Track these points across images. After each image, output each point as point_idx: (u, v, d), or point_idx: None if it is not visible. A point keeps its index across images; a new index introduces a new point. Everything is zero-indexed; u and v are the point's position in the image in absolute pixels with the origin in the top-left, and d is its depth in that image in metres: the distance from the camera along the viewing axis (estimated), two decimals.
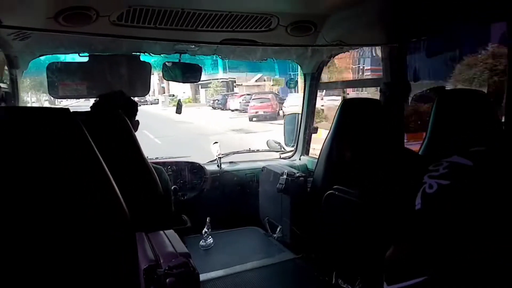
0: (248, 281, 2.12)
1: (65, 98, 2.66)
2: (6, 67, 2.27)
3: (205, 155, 3.52)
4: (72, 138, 0.93)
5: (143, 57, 2.76)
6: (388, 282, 0.79)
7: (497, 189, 0.72)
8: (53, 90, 2.46)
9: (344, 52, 2.91)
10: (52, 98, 2.68)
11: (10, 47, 2.15)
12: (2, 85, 2.07)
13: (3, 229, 0.89)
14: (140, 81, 2.77)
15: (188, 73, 2.94)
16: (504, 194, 0.71)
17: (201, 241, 2.61)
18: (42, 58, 2.58)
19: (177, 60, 2.86)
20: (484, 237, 0.70)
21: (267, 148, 3.74)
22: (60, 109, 0.91)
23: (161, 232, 1.49)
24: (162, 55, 2.81)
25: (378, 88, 2.64)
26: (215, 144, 3.30)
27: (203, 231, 2.63)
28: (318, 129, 3.50)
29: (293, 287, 2.10)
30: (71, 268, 0.99)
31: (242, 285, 2.08)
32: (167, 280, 1.18)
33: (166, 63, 2.87)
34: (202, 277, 2.16)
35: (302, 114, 3.44)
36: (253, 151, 3.73)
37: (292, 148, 3.61)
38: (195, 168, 3.10)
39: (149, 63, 2.77)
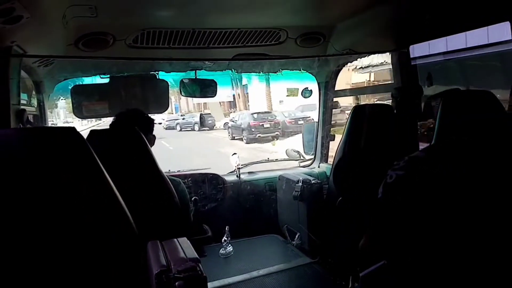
0: (265, 285, 2.16)
1: (88, 118, 2.82)
2: (33, 92, 2.45)
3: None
4: (76, 154, 1.01)
5: (161, 75, 2.90)
6: (361, 269, 0.85)
7: (447, 177, 0.76)
8: (78, 110, 2.62)
9: (355, 60, 2.94)
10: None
11: (36, 73, 2.33)
12: (30, 108, 2.24)
13: (12, 245, 0.97)
14: (159, 98, 2.89)
15: (205, 88, 3.05)
16: (454, 181, 0.76)
17: (221, 250, 2.68)
18: (67, 81, 2.76)
19: (193, 77, 2.98)
20: (436, 222, 0.74)
21: (286, 157, 3.79)
22: (66, 128, 1.00)
23: (175, 239, 1.56)
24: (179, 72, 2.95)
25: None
26: (234, 155, 3.38)
27: (223, 239, 2.70)
28: None
29: None
30: (82, 278, 1.07)
31: None
32: (176, 283, 1.25)
33: (184, 80, 2.98)
34: (220, 283, 2.24)
35: (318, 122, 3.48)
36: (272, 160, 3.79)
37: (311, 156, 3.65)
38: (215, 179, 3.19)
39: (166, 81, 2.90)
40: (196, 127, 22.11)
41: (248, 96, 26.80)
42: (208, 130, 21.92)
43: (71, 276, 1.06)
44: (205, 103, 31.17)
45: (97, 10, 1.73)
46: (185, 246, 1.51)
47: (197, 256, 1.40)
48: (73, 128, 1.01)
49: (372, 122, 2.39)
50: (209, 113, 24.47)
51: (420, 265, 0.74)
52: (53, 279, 1.02)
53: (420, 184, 0.78)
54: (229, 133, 18.04)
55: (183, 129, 22.68)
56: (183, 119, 23.74)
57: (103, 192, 1.06)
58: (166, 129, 23.77)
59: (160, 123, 26.87)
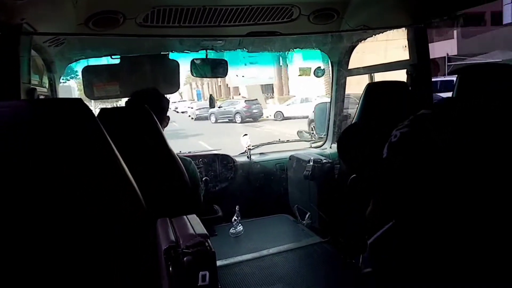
0: (274, 263, 2.18)
1: (100, 99, 2.83)
2: (45, 72, 2.46)
3: None
4: (85, 128, 1.01)
5: (172, 55, 2.89)
6: (368, 236, 0.83)
7: (454, 133, 0.74)
8: (89, 91, 2.64)
9: (370, 37, 2.87)
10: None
11: (46, 53, 2.33)
12: (42, 89, 2.25)
13: (20, 220, 0.98)
14: (169, 78, 2.88)
15: (215, 68, 3.03)
16: (461, 138, 0.73)
17: (231, 229, 2.70)
18: (78, 62, 2.78)
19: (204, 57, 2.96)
20: (439, 180, 0.72)
21: (298, 138, 3.76)
22: (73, 99, 1.00)
23: (184, 216, 1.57)
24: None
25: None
26: (245, 136, 3.37)
27: (233, 219, 2.71)
28: None
29: (319, 269, 2.13)
30: (90, 254, 1.08)
31: (268, 267, 2.14)
32: (185, 258, 1.25)
33: (194, 60, 2.96)
34: (229, 261, 2.26)
35: (331, 102, 3.43)
36: (283, 141, 3.77)
37: (324, 137, 3.61)
38: (225, 160, 3.19)
39: (177, 61, 2.88)
40: (238, 118, 18.52)
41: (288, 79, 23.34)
42: (252, 122, 18.08)
43: (80, 252, 1.07)
44: (236, 87, 27.78)
45: None
46: (194, 223, 1.51)
47: (206, 232, 1.41)
48: (80, 100, 1.00)
49: (386, 99, 2.34)
50: (256, 99, 20.48)
51: (425, 223, 0.73)
52: (62, 254, 1.04)
53: (424, 141, 0.76)
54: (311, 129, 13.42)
55: (219, 120, 19.15)
56: (219, 107, 19.72)
57: (111, 166, 1.06)
58: (195, 119, 20.73)
59: (183, 112, 24.27)
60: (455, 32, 17.30)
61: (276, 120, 18.16)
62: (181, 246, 1.32)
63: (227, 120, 18.86)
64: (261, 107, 19.42)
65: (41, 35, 1.94)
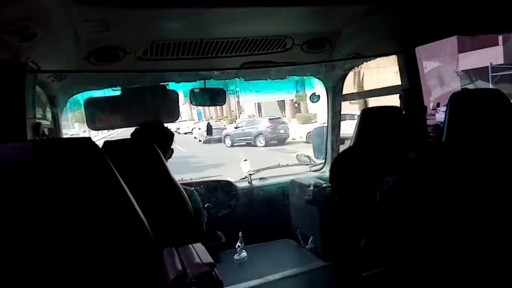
0: None
1: (102, 130, 2.88)
2: (48, 106, 2.52)
3: None
4: (94, 165, 1.05)
5: (171, 86, 2.96)
6: (364, 269, 0.87)
7: (436, 181, 0.78)
8: (91, 122, 2.69)
9: (361, 64, 2.97)
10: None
11: (49, 88, 2.40)
12: (45, 122, 2.30)
13: (30, 253, 1.00)
14: (169, 108, 2.95)
15: (214, 97, 3.10)
16: (451, 185, 0.77)
17: (235, 255, 2.70)
18: (80, 94, 2.84)
19: (203, 86, 3.03)
20: (429, 230, 0.76)
21: (297, 163, 3.81)
22: (82, 138, 1.04)
23: (190, 245, 1.59)
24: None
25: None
26: (245, 161, 3.41)
27: (236, 245, 2.72)
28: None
29: None
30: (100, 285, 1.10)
31: None
32: None
33: (194, 89, 3.04)
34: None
35: (327, 126, 3.50)
36: (283, 166, 3.81)
37: (322, 161, 3.66)
38: (227, 186, 3.22)
39: (176, 92, 2.95)
40: (261, 141, 15.28)
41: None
42: (278, 144, 14.96)
43: (88, 282, 1.09)
44: (258, 103, 23.72)
45: (107, 25, 1.78)
46: (200, 252, 1.54)
47: (212, 261, 1.43)
48: (89, 139, 1.05)
49: (381, 124, 2.39)
50: (279, 117, 17.69)
51: (417, 269, 0.76)
52: (70, 284, 1.05)
53: (416, 190, 0.80)
54: None
55: (236, 143, 16.10)
56: (236, 128, 17.07)
57: (119, 200, 1.09)
58: (204, 142, 17.77)
59: (187, 133, 21.92)
60: (500, 38, 14.07)
61: (308, 142, 12.44)
62: (189, 276, 1.35)
63: (245, 143, 15.86)
64: (287, 127, 16.36)
65: (45, 72, 2.00)
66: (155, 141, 1.98)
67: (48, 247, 1.01)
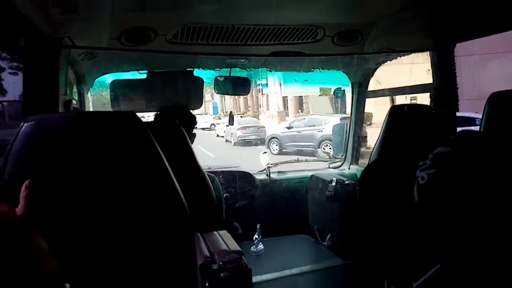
0: (297, 284, 2.16)
1: None
2: (75, 86, 2.52)
3: None
4: (138, 140, 1.03)
5: (196, 72, 2.94)
6: (414, 279, 0.82)
7: (477, 170, 0.74)
8: (116, 105, 2.69)
9: (393, 59, 2.90)
10: None
11: (79, 66, 2.39)
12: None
13: (74, 225, 0.99)
14: (193, 94, 2.93)
15: (238, 86, 3.07)
16: (484, 174, 0.73)
17: (252, 247, 2.68)
18: (105, 76, 2.84)
19: (228, 74, 3.01)
20: (480, 216, 0.72)
21: (316, 158, 3.77)
22: (127, 112, 1.02)
23: (215, 232, 1.58)
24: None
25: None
26: (264, 154, 3.39)
27: (254, 237, 2.70)
28: None
29: None
30: (134, 262, 1.08)
31: None
32: (222, 274, 1.25)
33: (218, 77, 3.01)
34: (253, 279, 2.23)
35: (350, 123, 3.44)
36: (302, 161, 3.77)
37: (341, 158, 3.61)
38: (245, 177, 3.20)
39: (202, 78, 2.93)
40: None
41: None
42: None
43: (130, 262, 1.07)
44: (285, 97, 20.53)
45: (144, 4, 1.76)
46: (226, 239, 1.52)
47: (239, 248, 1.41)
48: (133, 113, 1.03)
49: (409, 123, 2.34)
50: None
51: (474, 262, 0.72)
52: (111, 263, 1.04)
53: (454, 178, 0.76)
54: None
55: (286, 150, 12.41)
56: (288, 128, 13.15)
57: (163, 178, 1.07)
58: (235, 144, 14.58)
59: (205, 129, 18.83)
60: None
61: None
62: (217, 262, 1.32)
63: (301, 150, 11.67)
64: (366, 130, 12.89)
65: (80, 48, 1.99)
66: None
67: (90, 217, 0.99)
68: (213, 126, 19.96)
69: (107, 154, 0.99)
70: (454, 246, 0.75)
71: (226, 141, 15.92)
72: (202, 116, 22.75)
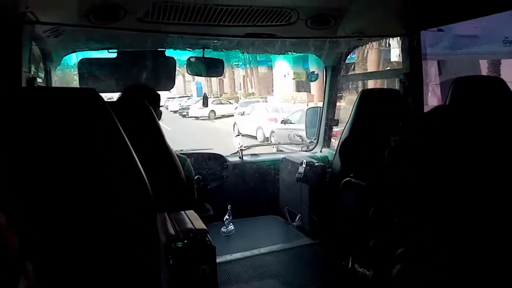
0: (265, 263, 2.20)
1: None
2: (41, 64, 2.44)
3: None
4: (98, 117, 1.02)
5: (168, 52, 2.89)
6: (358, 250, 0.87)
7: (444, 137, 0.79)
8: (84, 84, 2.62)
9: (363, 44, 2.93)
10: None
11: (45, 43, 2.31)
12: (38, 80, 2.23)
13: (34, 202, 0.98)
14: (165, 75, 2.89)
15: (211, 68, 3.04)
16: (450, 140, 0.78)
17: (222, 228, 2.71)
18: (73, 54, 2.76)
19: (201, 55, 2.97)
20: (443, 178, 0.76)
21: (289, 142, 3.81)
22: (87, 89, 1.01)
23: (182, 212, 1.58)
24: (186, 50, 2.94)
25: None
26: (237, 137, 3.40)
27: (225, 218, 2.73)
28: None
29: (309, 270, 2.16)
30: (94, 241, 1.09)
31: (259, 267, 2.16)
32: (186, 252, 1.27)
33: (190, 58, 2.97)
34: (221, 259, 2.27)
35: (323, 106, 3.48)
36: (274, 144, 3.80)
37: (314, 141, 3.65)
38: (218, 159, 3.20)
39: (174, 58, 2.88)
40: None
41: None
42: None
43: (85, 238, 1.07)
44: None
45: None
46: (193, 218, 1.53)
47: (205, 227, 1.42)
48: (94, 90, 1.01)
49: (379, 106, 2.39)
50: None
51: (430, 218, 0.77)
52: (69, 237, 1.04)
53: (422, 141, 0.81)
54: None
55: (283, 148, 5.82)
56: (285, 122, 9.81)
57: (124, 155, 1.07)
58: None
59: (207, 117, 17.64)
60: None
61: None
62: (181, 240, 1.34)
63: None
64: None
65: (44, 24, 1.93)
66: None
67: (49, 194, 0.99)
68: (211, 114, 18.47)
69: (65, 130, 0.97)
70: (413, 201, 0.80)
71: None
72: (184, 100, 21.56)
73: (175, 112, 20.76)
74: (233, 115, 16.53)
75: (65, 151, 0.99)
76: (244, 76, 24.74)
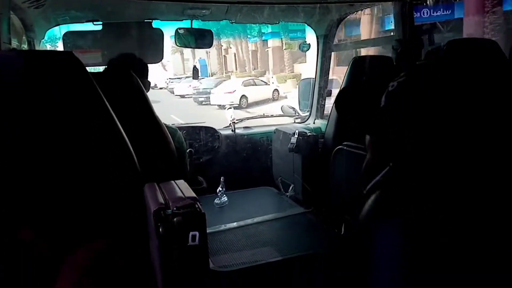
0: (258, 232, 2.21)
1: None
2: (23, 38, 2.37)
3: None
4: (78, 80, 0.99)
5: (155, 24, 2.82)
6: (364, 186, 0.86)
7: (440, 82, 0.77)
8: None
9: (355, 11, 2.87)
10: None
11: (26, 15, 2.24)
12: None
13: (18, 168, 0.96)
14: (153, 47, 2.82)
15: (200, 39, 2.97)
16: (457, 85, 0.77)
17: (215, 199, 2.71)
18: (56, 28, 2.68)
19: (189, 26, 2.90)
20: (443, 123, 0.75)
21: (282, 113, 3.78)
22: (64, 52, 0.97)
23: (172, 181, 1.57)
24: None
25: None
26: (229, 109, 3.37)
27: (218, 189, 2.72)
28: None
29: (303, 237, 2.17)
30: (82, 211, 1.07)
31: (253, 235, 2.17)
32: (175, 219, 1.26)
33: (178, 29, 2.90)
34: (214, 229, 2.28)
35: (315, 77, 3.44)
36: (267, 116, 3.77)
37: (307, 113, 3.63)
38: (210, 132, 3.19)
39: (161, 30, 2.82)
40: None
41: None
42: None
43: (72, 208, 1.06)
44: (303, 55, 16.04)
45: None
46: (182, 187, 1.51)
47: (195, 195, 1.41)
48: (71, 53, 0.98)
49: (372, 73, 2.37)
50: None
51: (422, 164, 0.75)
52: (55, 207, 1.02)
53: (422, 87, 0.79)
54: None
55: None
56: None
57: (106, 121, 1.04)
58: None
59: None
60: None
61: None
62: (171, 208, 1.33)
63: None
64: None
65: None
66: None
67: (34, 163, 0.96)
68: (243, 100, 14.47)
69: (42, 96, 0.94)
70: (407, 147, 0.78)
71: None
72: (190, 81, 17.41)
73: (182, 96, 16.86)
74: (271, 101, 13.22)
75: (42, 120, 0.96)
76: (253, 51, 22.18)
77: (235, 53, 22.80)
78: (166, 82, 20.68)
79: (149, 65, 2.30)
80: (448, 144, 0.74)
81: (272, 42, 20.87)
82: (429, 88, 0.77)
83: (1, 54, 0.97)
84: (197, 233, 1.26)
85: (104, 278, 1.12)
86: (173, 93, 17.20)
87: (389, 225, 0.75)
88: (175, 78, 18.82)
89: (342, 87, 2.41)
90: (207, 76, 20.10)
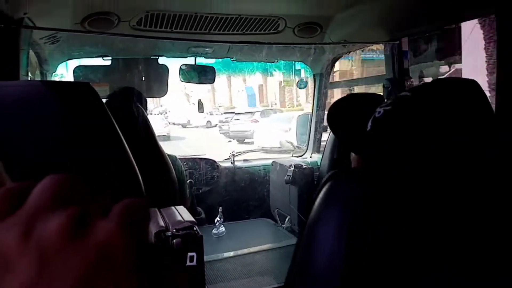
0: (254, 261, 2.26)
1: None
2: (37, 71, 2.52)
3: None
4: (93, 110, 1.08)
5: (161, 61, 2.99)
6: None
7: (426, 114, 0.85)
8: None
9: (348, 52, 3.05)
10: None
11: (41, 49, 2.40)
12: None
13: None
14: (158, 82, 2.98)
15: (202, 75, 3.14)
16: (431, 117, 0.84)
17: (213, 230, 2.77)
18: (68, 62, 2.85)
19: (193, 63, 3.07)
20: (423, 153, 0.82)
21: (280, 147, 3.89)
22: (81, 83, 1.07)
23: (172, 207, 1.65)
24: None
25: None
26: (229, 142, 3.48)
27: (216, 220, 2.79)
28: None
29: None
30: None
31: (249, 264, 2.22)
32: (174, 241, 1.34)
33: (182, 66, 3.07)
34: (213, 257, 2.33)
35: (312, 113, 3.58)
36: (266, 150, 3.89)
37: (305, 147, 3.75)
38: (210, 164, 3.28)
39: (166, 66, 2.99)
40: None
41: None
42: None
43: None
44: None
45: None
46: (182, 212, 1.60)
47: (193, 219, 1.49)
48: (88, 84, 1.08)
49: (364, 109, 2.48)
50: None
51: (408, 186, 0.81)
52: None
53: (406, 117, 0.86)
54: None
55: None
56: None
57: (119, 152, 1.12)
58: None
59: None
60: None
61: None
62: (171, 230, 1.41)
63: None
64: None
65: (41, 29, 2.01)
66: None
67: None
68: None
69: (58, 122, 1.03)
70: (391, 170, 0.85)
71: None
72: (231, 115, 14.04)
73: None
74: None
75: (57, 144, 1.04)
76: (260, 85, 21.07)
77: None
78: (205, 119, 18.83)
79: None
80: (431, 176, 0.80)
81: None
82: (412, 120, 0.85)
83: (22, 84, 1.06)
84: (194, 254, 1.34)
85: None
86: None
87: None
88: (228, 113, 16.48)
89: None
90: (254, 106, 18.58)
